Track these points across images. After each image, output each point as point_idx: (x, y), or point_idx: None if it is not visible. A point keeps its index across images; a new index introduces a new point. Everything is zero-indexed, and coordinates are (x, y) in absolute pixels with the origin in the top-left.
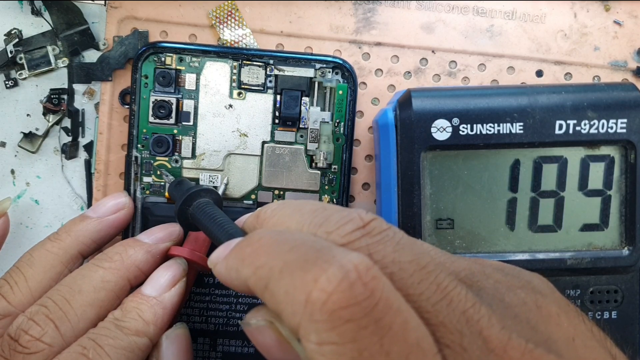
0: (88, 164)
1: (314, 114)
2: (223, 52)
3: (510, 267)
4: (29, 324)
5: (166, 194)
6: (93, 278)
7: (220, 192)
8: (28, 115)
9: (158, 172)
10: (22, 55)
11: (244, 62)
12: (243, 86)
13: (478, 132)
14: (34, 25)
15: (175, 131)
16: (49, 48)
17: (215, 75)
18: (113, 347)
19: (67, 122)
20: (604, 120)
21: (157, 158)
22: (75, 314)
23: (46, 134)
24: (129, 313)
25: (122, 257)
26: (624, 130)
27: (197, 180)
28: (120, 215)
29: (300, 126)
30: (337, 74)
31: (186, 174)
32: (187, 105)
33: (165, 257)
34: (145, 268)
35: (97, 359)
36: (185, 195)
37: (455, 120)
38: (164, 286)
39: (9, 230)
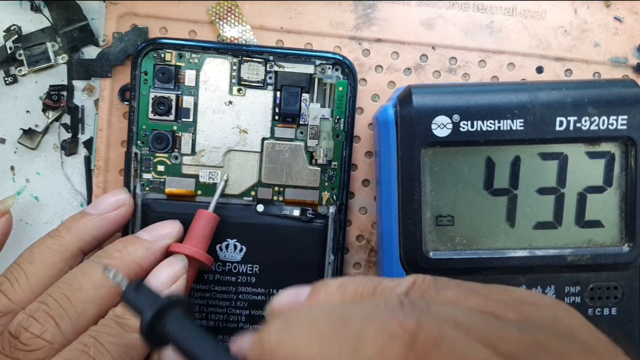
0: (88, 161)
1: (314, 111)
2: (223, 48)
3: (564, 325)
4: (29, 321)
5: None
6: (93, 275)
7: (219, 189)
8: (27, 111)
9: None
10: (21, 51)
11: (244, 58)
12: (243, 82)
13: (478, 129)
14: (33, 22)
15: (175, 128)
16: (49, 44)
17: (215, 71)
18: (114, 345)
19: (66, 119)
20: (604, 117)
21: (157, 154)
22: (75, 311)
23: (46, 130)
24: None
25: (122, 254)
26: (625, 127)
27: (196, 177)
28: (120, 212)
29: (300, 123)
30: (337, 70)
31: (186, 170)
32: (187, 101)
33: (166, 254)
34: (146, 265)
35: (98, 356)
36: (156, 309)
37: (456, 117)
38: (164, 283)
39: (11, 228)
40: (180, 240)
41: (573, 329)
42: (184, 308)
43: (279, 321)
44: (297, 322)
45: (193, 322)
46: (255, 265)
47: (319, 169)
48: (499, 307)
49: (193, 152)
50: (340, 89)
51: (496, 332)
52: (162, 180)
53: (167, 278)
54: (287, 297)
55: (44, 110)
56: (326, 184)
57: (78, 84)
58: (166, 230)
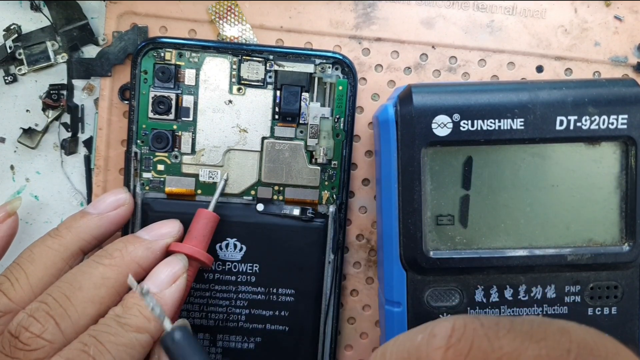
0: (88, 160)
1: (314, 110)
2: (223, 47)
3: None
4: (29, 320)
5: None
6: (93, 275)
7: (219, 188)
8: (27, 110)
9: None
10: (21, 50)
11: (244, 57)
12: (243, 82)
13: (479, 128)
14: (33, 21)
15: (174, 127)
16: (48, 43)
17: (215, 70)
18: (114, 344)
19: (66, 118)
20: (604, 116)
21: (157, 154)
22: (75, 310)
23: (45, 129)
24: (129, 309)
25: (122, 254)
26: (625, 126)
27: (196, 176)
28: (120, 211)
29: (300, 122)
30: (337, 69)
31: (186, 169)
32: (187, 100)
33: (166, 253)
34: (146, 264)
35: (97, 355)
36: None
37: (456, 116)
38: (164, 282)
39: (17, 230)
40: (181, 239)
41: None
42: None
43: None
44: None
45: None
46: (255, 265)
47: (318, 168)
48: (564, 359)
49: (193, 152)
50: (340, 88)
51: None
52: (162, 179)
53: (167, 277)
54: None
55: (43, 110)
56: (326, 183)
57: (78, 83)
58: (166, 230)
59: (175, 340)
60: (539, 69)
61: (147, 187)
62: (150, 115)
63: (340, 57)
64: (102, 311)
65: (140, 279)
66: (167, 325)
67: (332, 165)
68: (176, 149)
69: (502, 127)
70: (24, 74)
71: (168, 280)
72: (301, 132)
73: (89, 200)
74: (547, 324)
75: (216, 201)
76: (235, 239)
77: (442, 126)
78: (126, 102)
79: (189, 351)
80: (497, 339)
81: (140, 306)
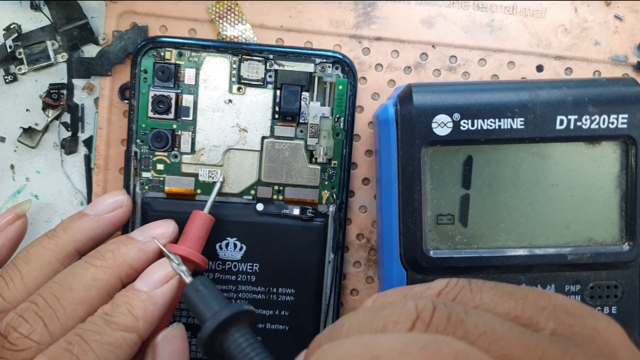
0: (88, 159)
1: (314, 109)
2: (223, 47)
3: (605, 343)
4: (18, 320)
5: (168, 189)
6: (84, 276)
7: (216, 190)
8: (27, 110)
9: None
10: (21, 50)
11: (244, 57)
12: (243, 81)
13: (479, 128)
14: (33, 20)
15: (174, 126)
16: (48, 43)
17: (215, 70)
18: (99, 343)
19: (66, 117)
20: (604, 116)
21: (157, 153)
22: (64, 312)
23: (46, 129)
24: (118, 307)
25: (114, 255)
26: (625, 126)
27: (196, 175)
28: (118, 213)
29: (300, 121)
30: (337, 68)
31: (185, 169)
32: (187, 100)
33: (160, 255)
34: (138, 266)
35: (81, 354)
36: (220, 321)
37: (456, 116)
38: (156, 282)
39: (26, 232)
40: (175, 240)
41: (614, 349)
42: (250, 321)
43: (313, 358)
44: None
45: (257, 343)
46: (255, 264)
47: (319, 167)
48: (538, 314)
49: (193, 151)
50: (340, 87)
51: (537, 347)
52: (161, 179)
53: (159, 277)
54: None
55: (43, 109)
56: (326, 182)
57: (78, 83)
58: (160, 231)
59: (197, 289)
60: (539, 68)
61: (146, 187)
62: (150, 114)
63: (341, 57)
64: (92, 312)
65: (131, 281)
66: (188, 280)
67: (332, 165)
68: (176, 149)
69: (502, 127)
70: (24, 74)
71: (160, 280)
72: (301, 131)
73: (89, 200)
74: (531, 289)
75: (212, 203)
76: (235, 239)
77: (442, 125)
78: (126, 101)
79: (210, 297)
80: (480, 292)
81: (129, 305)
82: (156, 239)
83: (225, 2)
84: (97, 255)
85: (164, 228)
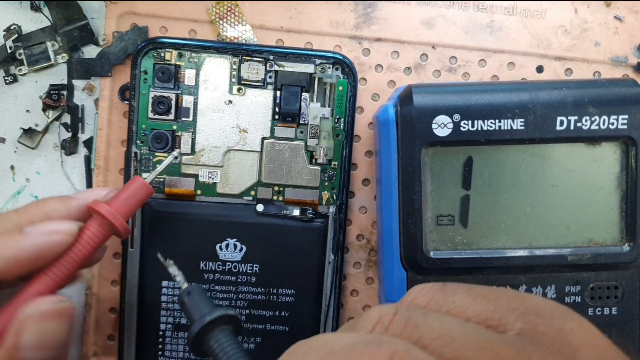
0: (88, 160)
1: (314, 110)
2: (223, 47)
3: (567, 343)
4: None
5: (166, 190)
6: (9, 218)
7: (166, 162)
8: (27, 111)
9: (168, 265)
10: (21, 50)
11: (244, 57)
12: (243, 82)
13: (479, 128)
14: (33, 21)
15: (174, 127)
16: (49, 44)
17: (215, 71)
18: None
19: (66, 118)
20: (605, 116)
21: (157, 154)
22: None
23: (46, 129)
24: None
25: (36, 204)
26: (625, 127)
27: (196, 176)
28: (52, 239)
29: (300, 122)
30: (337, 69)
31: (185, 170)
32: (187, 101)
33: (87, 215)
34: (54, 216)
35: None
36: (205, 322)
37: (456, 117)
38: (41, 229)
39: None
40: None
41: (575, 349)
42: (234, 324)
43: (286, 353)
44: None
45: (237, 343)
46: (255, 265)
47: (319, 168)
48: (507, 315)
49: (193, 152)
50: (340, 88)
51: (491, 348)
52: (161, 179)
53: (46, 227)
54: None
55: (44, 110)
56: (326, 183)
57: (78, 83)
58: (94, 193)
59: (189, 293)
60: (539, 69)
61: None
62: (150, 115)
63: (341, 57)
64: None
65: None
66: (184, 285)
67: (332, 166)
68: (176, 149)
69: (502, 128)
70: (24, 74)
71: (45, 231)
72: (301, 132)
73: None
74: (506, 292)
75: (157, 174)
76: (236, 240)
77: (442, 126)
78: (126, 102)
79: (200, 302)
80: (453, 295)
81: None
82: (85, 198)
83: (226, 2)
84: (21, 207)
85: (98, 191)
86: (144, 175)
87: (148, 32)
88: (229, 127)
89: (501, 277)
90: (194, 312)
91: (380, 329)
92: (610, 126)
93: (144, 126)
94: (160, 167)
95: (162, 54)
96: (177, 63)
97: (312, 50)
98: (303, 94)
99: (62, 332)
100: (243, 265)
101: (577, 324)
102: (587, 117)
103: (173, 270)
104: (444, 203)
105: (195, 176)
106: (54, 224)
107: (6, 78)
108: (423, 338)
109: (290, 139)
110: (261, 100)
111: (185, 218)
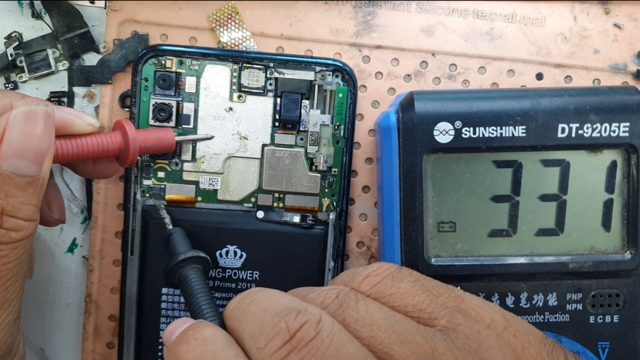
0: None
1: (314, 117)
2: (223, 55)
3: (478, 344)
4: None
5: (166, 196)
6: None
7: (199, 136)
8: None
9: (159, 208)
10: (22, 58)
11: (244, 65)
12: (243, 89)
13: (481, 135)
14: (34, 28)
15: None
16: (49, 51)
17: (216, 78)
18: None
19: None
20: (606, 124)
21: (157, 161)
22: None
23: None
24: None
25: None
26: (627, 134)
27: (197, 183)
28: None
29: (300, 129)
30: (337, 76)
31: (186, 177)
32: (187, 108)
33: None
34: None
35: None
36: (176, 261)
37: (458, 123)
38: (72, 111)
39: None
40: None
41: (484, 347)
42: (204, 266)
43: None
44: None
45: (202, 280)
46: (255, 272)
47: (319, 175)
48: (438, 311)
49: (193, 159)
50: (341, 95)
51: (402, 333)
52: (162, 186)
53: (75, 112)
54: None
55: None
56: (326, 190)
57: (78, 91)
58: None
59: (172, 234)
60: (539, 76)
61: (147, 195)
62: (151, 122)
63: (341, 65)
64: None
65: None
66: (170, 227)
67: (332, 173)
68: (176, 156)
69: (504, 135)
70: (25, 82)
71: (77, 113)
72: (301, 139)
73: (89, 208)
74: (452, 290)
75: (187, 139)
76: (236, 246)
77: (444, 133)
78: (127, 109)
79: (179, 243)
80: (400, 282)
81: None
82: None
83: (226, 10)
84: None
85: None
86: (145, 182)
87: (149, 39)
88: (229, 134)
89: (502, 285)
90: (172, 250)
91: (321, 306)
92: (612, 134)
93: None
94: (193, 136)
95: (163, 62)
96: (178, 70)
97: (312, 57)
98: (303, 101)
99: (44, 139)
100: (243, 272)
101: (499, 331)
102: (589, 125)
103: (163, 213)
104: (446, 210)
105: (196, 183)
106: (85, 115)
107: (7, 85)
108: (348, 318)
109: (291, 146)
110: (261, 108)
111: (186, 225)
